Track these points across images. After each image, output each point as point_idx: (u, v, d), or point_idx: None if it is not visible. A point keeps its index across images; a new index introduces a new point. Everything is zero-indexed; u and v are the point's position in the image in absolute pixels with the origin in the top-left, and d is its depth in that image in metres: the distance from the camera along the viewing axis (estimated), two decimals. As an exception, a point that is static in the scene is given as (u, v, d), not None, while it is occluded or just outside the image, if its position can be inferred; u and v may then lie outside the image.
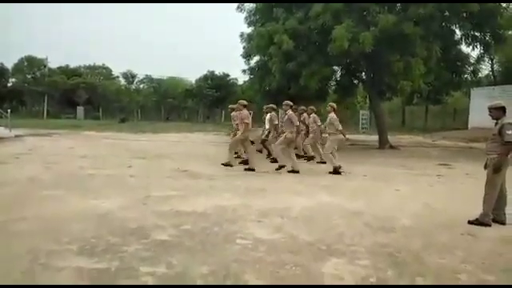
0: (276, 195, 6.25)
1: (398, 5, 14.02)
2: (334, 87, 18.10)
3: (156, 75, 46.50)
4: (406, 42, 12.32)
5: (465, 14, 12.96)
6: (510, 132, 4.52)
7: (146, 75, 47.43)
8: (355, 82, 17.92)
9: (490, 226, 4.67)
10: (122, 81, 49.69)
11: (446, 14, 13.16)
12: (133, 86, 49.02)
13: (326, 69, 13.91)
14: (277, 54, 13.05)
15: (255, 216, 4.91)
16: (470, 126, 22.37)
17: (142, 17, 78.87)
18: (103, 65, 48.79)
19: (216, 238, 4.09)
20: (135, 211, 5.05)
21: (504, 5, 14.17)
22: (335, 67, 16.36)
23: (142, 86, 48.89)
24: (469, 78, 16.28)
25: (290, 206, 5.43)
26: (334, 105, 9.27)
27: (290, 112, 8.73)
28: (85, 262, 3.33)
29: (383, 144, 15.12)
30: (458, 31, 14.57)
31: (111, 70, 49.28)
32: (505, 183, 4.86)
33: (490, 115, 4.95)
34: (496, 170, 4.64)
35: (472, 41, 14.41)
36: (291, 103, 9.10)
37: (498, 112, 4.86)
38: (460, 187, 7.50)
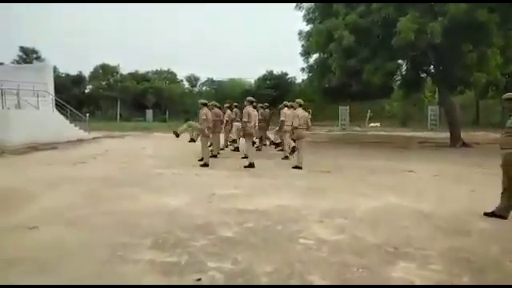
0: (338, 195, 6.13)
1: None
2: (398, 82, 17.26)
3: (217, 77, 48.07)
4: (479, 31, 11.34)
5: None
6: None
7: (208, 78, 49.24)
8: (422, 75, 16.90)
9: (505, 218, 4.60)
10: (186, 84, 52.07)
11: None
12: (196, 89, 51.08)
13: (391, 63, 13.32)
14: (337, 50, 12.76)
15: (317, 216, 4.86)
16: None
17: (204, 20, 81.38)
18: (168, 69, 51.46)
19: (279, 236, 4.12)
20: (201, 208, 5.27)
21: None
22: (400, 61, 15.59)
23: (204, 88, 50.74)
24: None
25: (354, 207, 5.29)
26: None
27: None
28: (157, 256, 3.56)
29: (455, 141, 14.06)
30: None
31: (176, 74, 51.81)
32: None
33: (505, 107, 4.67)
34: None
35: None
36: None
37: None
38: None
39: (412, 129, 25.18)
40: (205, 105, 9.53)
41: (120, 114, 40.54)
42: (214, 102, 10.97)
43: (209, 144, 9.98)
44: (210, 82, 48.98)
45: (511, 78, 14.97)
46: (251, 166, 8.85)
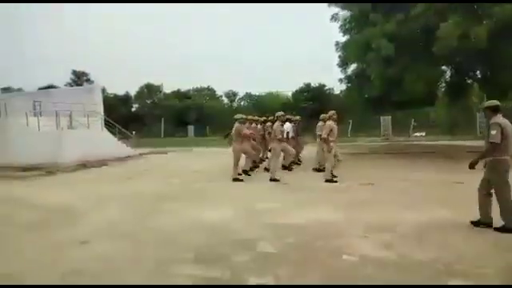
0: (382, 208, 5.92)
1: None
2: (443, 89, 16.55)
3: (255, 91, 48.74)
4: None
5: None
6: (493, 132, 4.46)
7: (246, 92, 50.06)
8: (468, 81, 16.08)
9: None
10: (225, 100, 53.23)
11: None
12: (235, 104, 52.04)
13: (433, 70, 12.81)
14: (375, 59, 12.50)
15: (361, 231, 4.73)
16: None
17: (243, 37, 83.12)
18: (208, 86, 52.96)
19: (320, 252, 4.05)
20: (241, 222, 5.31)
21: None
22: (443, 68, 14.96)
23: (242, 103, 51.57)
24: None
25: (400, 221, 5.09)
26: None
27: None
28: (199, 271, 3.62)
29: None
30: None
31: (215, 91, 53.22)
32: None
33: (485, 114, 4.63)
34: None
35: None
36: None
37: (489, 112, 4.68)
38: None
39: (460, 137, 23.91)
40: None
41: (164, 131, 42.07)
42: (251, 117, 11.17)
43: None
44: (248, 96, 49.73)
45: None
46: (275, 180, 8.94)
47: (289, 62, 69.56)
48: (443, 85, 16.22)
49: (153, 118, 44.65)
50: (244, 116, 10.15)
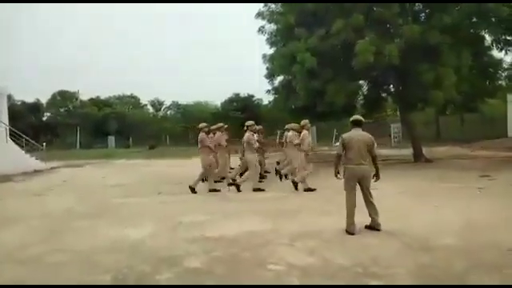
0: (309, 215, 6.06)
1: (422, 14, 13.78)
2: (361, 102, 17.79)
3: (182, 101, 47.79)
4: (433, 52, 11.98)
5: (494, 19, 12.49)
6: (337, 144, 5.15)
7: (173, 101, 48.77)
8: (383, 95, 17.53)
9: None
10: (150, 109, 51.31)
11: (474, 20, 12.75)
12: (160, 113, 50.44)
13: (352, 84, 13.71)
14: (300, 72, 13.02)
15: (287, 239, 4.75)
16: (509, 134, 21.27)
17: (166, 42, 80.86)
18: (131, 94, 50.64)
19: (247, 263, 3.96)
20: (167, 238, 5.04)
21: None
22: (361, 82, 16.11)
23: (169, 112, 50.20)
24: (503, 84, 15.51)
25: (324, 228, 5.23)
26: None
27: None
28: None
29: (418, 157, 14.53)
30: (487, 37, 14.04)
31: (139, 99, 51.06)
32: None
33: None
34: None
35: (504, 45, 13.79)
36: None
37: (351, 125, 5.29)
38: (504, 199, 6.99)
39: (376, 146, 25.85)
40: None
41: (80, 142, 39.09)
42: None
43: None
44: (176, 105, 48.59)
45: (466, 95, 15.56)
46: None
47: (218, 71, 69.85)
48: (361, 98, 17.42)
49: (67, 127, 41.22)
50: (206, 124, 9.59)
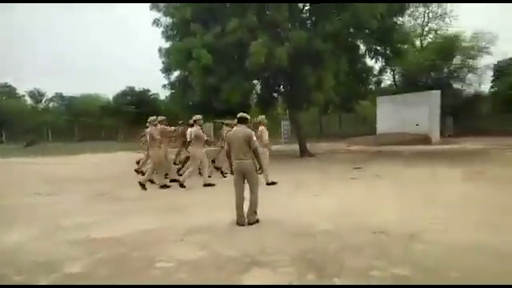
0: (203, 210, 6.16)
1: (309, 21, 15.00)
2: (255, 100, 18.56)
3: (68, 93, 43.38)
4: (317, 57, 13.13)
5: (367, 31, 14.27)
6: None
7: (56, 93, 43.93)
8: (274, 95, 18.57)
9: None
10: (29, 100, 45.37)
11: (352, 30, 14.36)
12: (41, 106, 44.95)
13: (246, 83, 14.22)
14: (196, 68, 12.99)
15: (179, 235, 4.77)
16: (378, 132, 24.54)
17: (51, 30, 72.26)
18: (6, 83, 44.04)
19: (134, 263, 3.88)
20: (46, 242, 4.60)
21: (399, 22, 16.04)
22: (255, 81, 16.81)
23: (51, 104, 45.03)
24: (373, 88, 17.95)
25: (217, 221, 5.38)
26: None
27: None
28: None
29: (303, 152, 15.90)
30: (362, 46, 16.04)
31: (15, 89, 44.72)
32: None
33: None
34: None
35: (375, 54, 15.95)
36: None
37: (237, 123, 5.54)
38: (370, 188, 8.12)
39: (270, 142, 27.31)
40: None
41: None
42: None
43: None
44: (60, 97, 43.82)
45: (344, 97, 17.57)
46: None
47: (111, 64, 65.01)
48: (255, 97, 18.19)
49: None
50: (155, 118, 9.06)
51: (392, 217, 5.43)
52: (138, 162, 10.98)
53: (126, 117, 36.35)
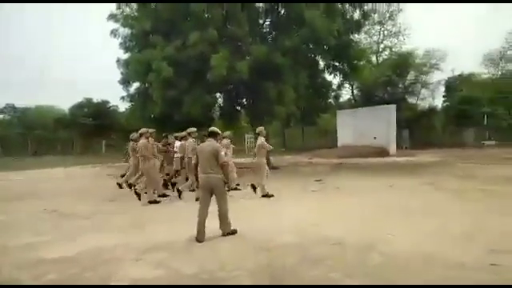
0: (162, 226, 5.99)
1: (269, 36, 15.29)
2: (218, 113, 18.51)
3: (20, 104, 41.04)
4: (277, 71, 13.37)
5: (325, 47, 14.72)
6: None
7: (7, 104, 41.40)
8: (237, 108, 18.61)
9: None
10: (-25, 111, 42.37)
11: (311, 46, 14.78)
12: (-11, 117, 42.16)
13: (208, 96, 14.17)
14: (156, 80, 12.80)
15: (134, 254, 4.60)
16: (339, 144, 25.24)
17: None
18: None
19: (86, 283, 3.69)
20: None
21: (355, 39, 16.75)
22: (217, 94, 16.80)
23: (2, 116, 42.36)
24: (333, 102, 18.51)
25: (175, 238, 5.25)
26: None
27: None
28: None
29: (267, 165, 15.99)
30: (321, 61, 16.56)
31: (-41, 99, 41.63)
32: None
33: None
34: None
35: (333, 70, 16.51)
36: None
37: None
38: (330, 200, 8.28)
39: (234, 155, 27.26)
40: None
41: None
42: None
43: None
44: (11, 108, 41.36)
45: (304, 111, 17.93)
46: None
47: (69, 76, 62.47)
48: (218, 110, 18.14)
49: None
50: (146, 130, 8.74)
51: (350, 228, 5.56)
52: (122, 176, 10.82)
53: (82, 129, 34.91)
